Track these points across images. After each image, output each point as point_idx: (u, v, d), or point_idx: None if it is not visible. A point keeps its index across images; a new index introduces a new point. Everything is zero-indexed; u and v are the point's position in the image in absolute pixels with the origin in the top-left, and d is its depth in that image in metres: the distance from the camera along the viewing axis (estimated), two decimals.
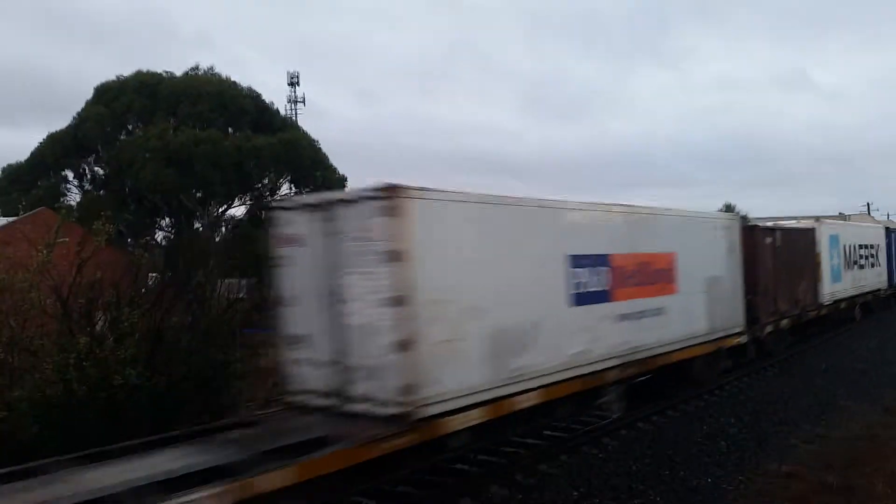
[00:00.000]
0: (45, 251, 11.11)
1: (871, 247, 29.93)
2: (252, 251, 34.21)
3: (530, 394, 10.02)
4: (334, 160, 46.10)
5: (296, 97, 64.18)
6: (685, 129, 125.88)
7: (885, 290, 32.03)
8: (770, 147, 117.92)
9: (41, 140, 42.62)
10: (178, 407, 10.96)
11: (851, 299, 26.93)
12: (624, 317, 12.14)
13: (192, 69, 45.12)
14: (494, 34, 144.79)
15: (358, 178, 46.70)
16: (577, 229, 11.36)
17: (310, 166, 43.69)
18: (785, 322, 20.21)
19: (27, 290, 10.64)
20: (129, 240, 35.88)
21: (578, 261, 11.07)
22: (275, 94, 42.88)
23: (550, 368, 10.34)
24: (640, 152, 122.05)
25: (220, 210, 45.02)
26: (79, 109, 42.69)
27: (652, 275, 13.04)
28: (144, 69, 43.52)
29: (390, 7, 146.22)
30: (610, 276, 11.83)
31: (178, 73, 44.23)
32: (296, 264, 9.26)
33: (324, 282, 8.89)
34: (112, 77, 44.53)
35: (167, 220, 44.62)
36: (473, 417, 8.98)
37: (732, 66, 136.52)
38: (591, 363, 11.25)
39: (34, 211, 32.77)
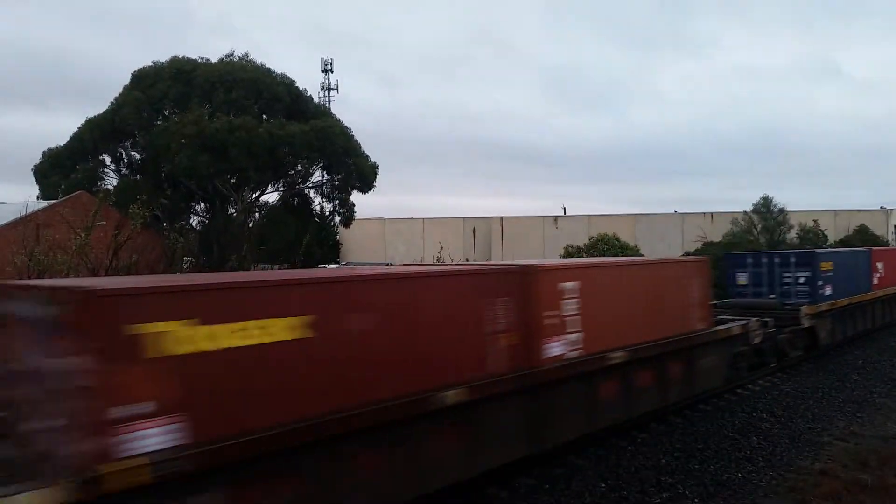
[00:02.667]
0: (83, 234, 11.33)
1: None
2: (284, 237, 34.60)
3: None
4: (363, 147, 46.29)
5: (329, 84, 64.49)
6: (711, 118, 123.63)
7: None
8: (801, 138, 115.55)
9: (80, 125, 43.41)
10: None
11: None
12: None
13: (228, 55, 45.52)
14: (514, 21, 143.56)
15: (385, 165, 46.77)
16: None
17: (342, 154, 43.90)
18: None
19: (66, 272, 10.86)
20: (164, 224, 36.42)
21: None
22: (299, 80, 43.17)
23: None
24: (667, 142, 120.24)
25: (254, 196, 45.49)
26: (115, 95, 43.38)
27: None
28: (180, 55, 44.06)
29: None
30: None
31: (214, 59, 44.68)
32: None
33: None
34: (145, 63, 45.28)
35: (202, 205, 45.25)
36: None
37: (757, 56, 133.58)
38: None
39: (73, 194, 33.47)
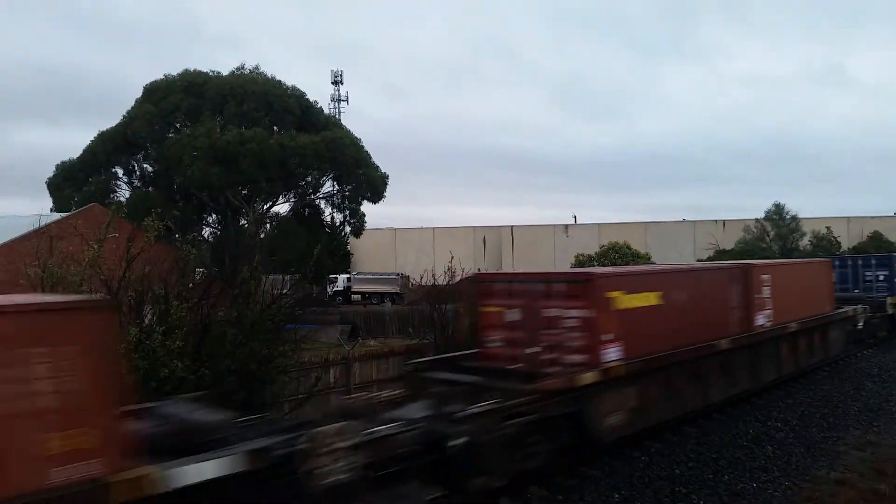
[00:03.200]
0: (96, 246, 11.41)
1: None
2: (295, 247, 34.71)
3: None
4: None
5: (339, 96, 64.82)
6: (719, 126, 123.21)
7: None
8: (810, 144, 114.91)
9: (92, 138, 43.85)
10: (223, 399, 11.17)
11: None
12: None
13: (239, 68, 45.87)
14: (518, 30, 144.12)
15: (395, 176, 46.94)
16: None
17: (352, 164, 44.08)
18: None
19: (79, 284, 10.92)
20: (176, 235, 36.66)
21: None
22: (307, 93, 43.54)
23: None
24: (675, 149, 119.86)
25: (265, 207, 45.72)
26: (125, 109, 43.84)
27: None
28: (191, 69, 44.45)
29: (413, 6, 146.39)
30: None
31: (225, 72, 45.03)
32: None
33: None
34: (155, 77, 45.61)
35: (214, 216, 45.51)
36: None
37: (764, 63, 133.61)
38: None
39: (86, 207, 33.71)
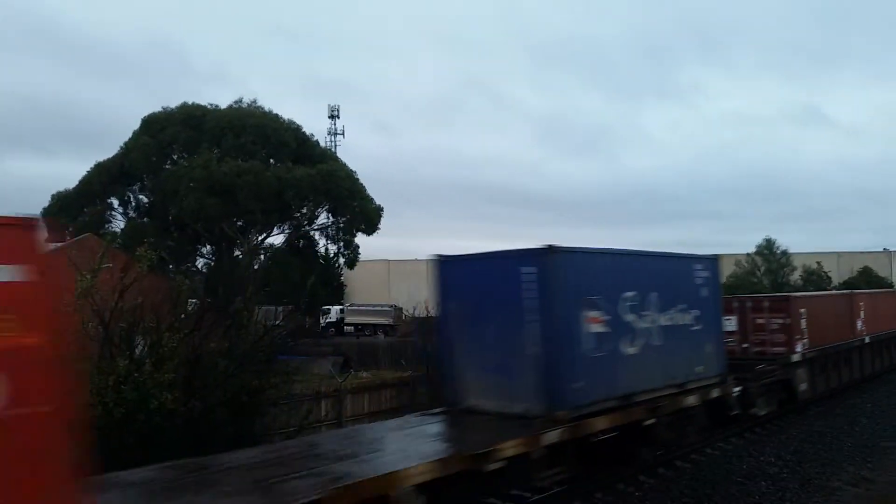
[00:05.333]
0: (89, 276, 11.39)
1: None
2: (288, 279, 34.67)
3: None
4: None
5: (335, 129, 65.41)
6: (703, 164, 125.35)
7: None
8: (794, 182, 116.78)
9: (88, 169, 43.98)
10: (213, 431, 11.07)
11: None
12: None
13: (237, 102, 46.29)
14: (500, 69, 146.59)
15: (387, 210, 47.09)
16: None
17: (347, 197, 44.25)
18: None
19: (71, 314, 10.89)
20: (170, 266, 36.58)
21: None
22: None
23: None
24: (661, 186, 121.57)
25: (260, 238, 45.75)
26: (118, 141, 44.13)
27: None
28: (186, 102, 44.82)
29: (400, 45, 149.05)
30: None
31: (223, 105, 45.42)
32: None
33: None
34: (147, 110, 45.95)
35: (208, 247, 45.49)
36: None
37: (742, 103, 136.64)
38: None
39: (80, 237, 33.64)
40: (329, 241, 50.68)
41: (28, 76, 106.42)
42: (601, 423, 10.56)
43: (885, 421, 17.08)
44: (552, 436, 9.49)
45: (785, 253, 49.59)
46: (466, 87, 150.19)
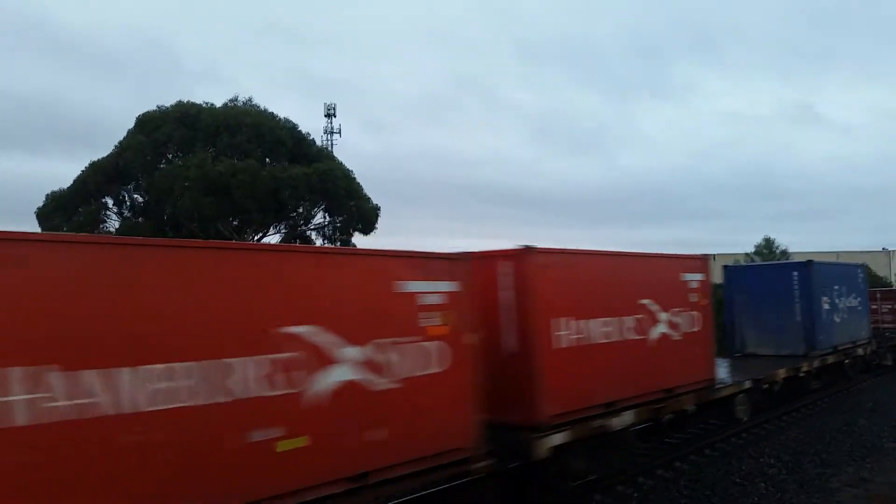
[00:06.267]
0: None
1: None
2: None
3: None
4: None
5: (331, 128, 65.21)
6: (699, 162, 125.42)
7: None
8: (790, 181, 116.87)
9: (83, 168, 43.73)
10: None
11: None
12: None
13: (232, 100, 46.07)
14: (492, 67, 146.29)
15: (385, 208, 46.71)
16: None
17: (344, 196, 44.08)
18: None
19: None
20: None
21: None
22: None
23: None
24: (658, 185, 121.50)
25: (256, 238, 45.56)
26: (111, 140, 43.88)
27: None
28: (178, 101, 44.57)
29: (395, 44, 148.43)
30: None
31: (218, 103, 45.21)
32: None
33: None
34: (139, 110, 45.71)
35: None
36: None
37: (737, 102, 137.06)
38: None
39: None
40: (326, 241, 50.50)
41: (19, 75, 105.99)
42: (830, 358, 19.84)
43: (885, 421, 17.02)
44: (816, 363, 18.92)
45: (784, 252, 49.55)
46: (461, 87, 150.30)
